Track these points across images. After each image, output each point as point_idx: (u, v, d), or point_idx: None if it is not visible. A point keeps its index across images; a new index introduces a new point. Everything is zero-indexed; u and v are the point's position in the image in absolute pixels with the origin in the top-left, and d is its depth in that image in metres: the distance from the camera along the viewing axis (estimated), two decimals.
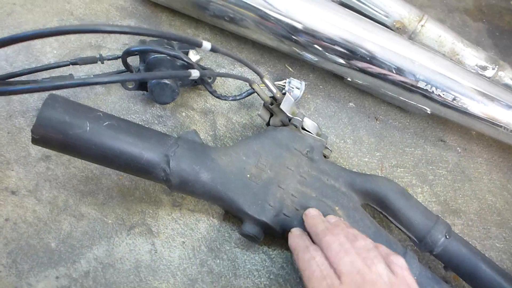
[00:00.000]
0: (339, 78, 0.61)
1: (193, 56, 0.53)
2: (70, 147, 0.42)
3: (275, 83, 0.55)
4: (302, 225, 0.43)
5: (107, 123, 0.42)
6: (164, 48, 0.50)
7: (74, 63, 0.54)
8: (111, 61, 0.56)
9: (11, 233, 0.48)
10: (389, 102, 0.59)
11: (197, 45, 0.41)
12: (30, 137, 0.46)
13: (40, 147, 0.53)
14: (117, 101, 0.58)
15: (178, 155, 0.43)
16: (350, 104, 0.59)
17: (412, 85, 0.51)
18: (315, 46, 0.51)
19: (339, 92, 0.60)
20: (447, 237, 0.44)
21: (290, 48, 0.55)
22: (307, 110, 0.58)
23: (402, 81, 0.51)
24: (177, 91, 0.52)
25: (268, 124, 0.52)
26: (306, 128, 0.48)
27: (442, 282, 0.44)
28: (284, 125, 0.49)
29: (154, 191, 0.51)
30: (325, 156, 0.49)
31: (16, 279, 0.45)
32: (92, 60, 0.54)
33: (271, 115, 0.51)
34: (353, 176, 0.47)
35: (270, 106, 0.49)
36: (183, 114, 0.57)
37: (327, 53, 0.52)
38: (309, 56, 0.54)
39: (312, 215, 0.42)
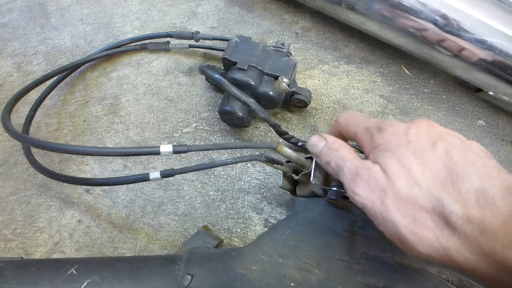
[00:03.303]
0: (467, 88, 0.50)
1: (282, 84, 0.43)
2: None
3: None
4: None
5: (86, 283, 0.30)
6: (234, 88, 0.41)
7: (170, 36, 0.52)
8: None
9: (84, 237, 0.43)
10: None
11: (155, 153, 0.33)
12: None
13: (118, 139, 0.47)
14: (202, 94, 0.50)
15: None
16: (480, 121, 0.48)
17: None
18: (462, 46, 0.41)
19: (466, 105, 0.49)
20: None
21: (417, 45, 0.44)
22: None
23: None
24: (246, 123, 0.45)
25: (294, 192, 0.39)
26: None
27: None
28: (316, 195, 0.36)
29: (242, 206, 0.43)
30: None
31: None
32: (187, 36, 0.51)
33: (297, 182, 0.39)
34: None
35: (295, 177, 0.38)
36: (279, 116, 0.48)
37: (474, 59, 0.41)
38: (446, 60, 0.44)
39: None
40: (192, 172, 0.45)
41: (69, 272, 0.30)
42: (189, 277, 0.32)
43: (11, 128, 0.35)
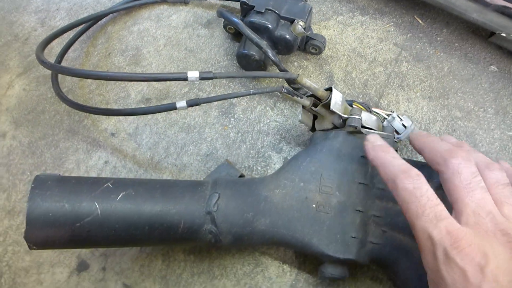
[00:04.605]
0: (479, 36, 0.51)
1: (298, 27, 0.45)
2: (82, 241, 0.32)
3: (375, 110, 0.42)
4: (395, 250, 0.33)
5: (121, 194, 0.32)
6: (251, 31, 0.43)
7: None
8: None
9: (111, 176, 0.45)
10: None
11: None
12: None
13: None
14: (221, 44, 0.52)
15: (223, 208, 0.33)
16: (492, 67, 0.49)
17: None
18: None
19: (479, 52, 0.50)
20: None
21: None
22: (439, 71, 0.49)
23: None
24: (263, 66, 0.47)
25: (313, 129, 0.41)
26: (366, 125, 0.37)
27: None
28: (336, 127, 0.38)
29: (262, 146, 0.45)
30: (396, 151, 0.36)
31: None
32: None
33: (315, 117, 0.41)
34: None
35: (314, 109, 0.39)
36: (295, 63, 0.50)
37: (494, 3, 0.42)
38: (462, 4, 0.45)
39: (420, 132, 0.34)
40: (213, 116, 0.47)
41: (105, 185, 0.32)
42: (217, 195, 0.34)
43: (46, 60, 0.36)
